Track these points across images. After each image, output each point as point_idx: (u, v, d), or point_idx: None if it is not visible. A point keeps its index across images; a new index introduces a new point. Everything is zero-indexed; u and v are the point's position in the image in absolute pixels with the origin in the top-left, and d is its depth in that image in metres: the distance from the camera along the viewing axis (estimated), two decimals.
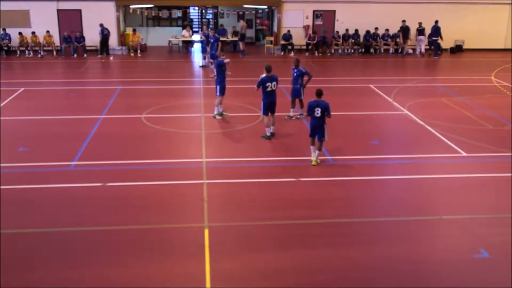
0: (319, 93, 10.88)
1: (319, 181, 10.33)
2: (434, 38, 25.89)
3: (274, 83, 12.34)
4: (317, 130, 10.85)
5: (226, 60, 14.09)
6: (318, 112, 10.76)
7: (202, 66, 22.49)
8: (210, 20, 33.25)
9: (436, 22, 25.69)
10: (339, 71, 22.82)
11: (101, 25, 25.01)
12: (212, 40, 20.45)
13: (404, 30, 26.40)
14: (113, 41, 26.20)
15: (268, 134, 12.54)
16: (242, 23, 26.87)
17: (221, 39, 22.68)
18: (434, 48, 26.01)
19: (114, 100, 16.53)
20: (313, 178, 10.43)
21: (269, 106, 12.39)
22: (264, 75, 12.45)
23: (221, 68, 13.97)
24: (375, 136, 13.08)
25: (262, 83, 12.28)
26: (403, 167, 11.08)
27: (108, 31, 25.27)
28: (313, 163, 10.92)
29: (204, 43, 22.44)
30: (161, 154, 11.68)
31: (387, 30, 26.47)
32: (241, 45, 26.15)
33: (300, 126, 13.70)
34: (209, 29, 22.63)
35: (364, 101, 16.55)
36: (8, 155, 11.39)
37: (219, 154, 11.77)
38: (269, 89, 12.30)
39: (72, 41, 24.99)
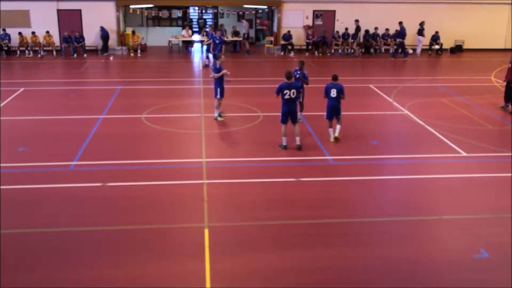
0: (335, 77, 12.45)
1: (319, 181, 10.32)
2: (400, 40, 25.50)
3: (293, 90, 11.53)
4: (334, 110, 12.38)
5: (218, 74, 13.80)
6: (334, 92, 12.27)
7: (206, 66, 22.47)
8: (208, 20, 33.20)
9: (401, 23, 25.47)
10: (339, 71, 22.68)
11: (102, 27, 25.29)
12: (217, 41, 20.54)
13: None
14: (113, 41, 26.22)
15: (284, 143, 11.93)
16: (246, 23, 27.10)
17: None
18: (402, 49, 25.58)
19: (114, 100, 16.53)
20: (313, 178, 10.43)
21: (287, 115, 11.75)
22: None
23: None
24: (375, 136, 13.08)
25: (280, 90, 11.66)
26: (403, 167, 11.08)
27: (108, 32, 25.35)
28: (334, 138, 12.38)
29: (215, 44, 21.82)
30: (161, 154, 11.68)
31: (387, 30, 26.45)
32: (246, 45, 26.47)
33: (300, 127, 13.66)
34: (207, 29, 22.69)
35: (364, 101, 16.55)
36: (8, 155, 11.39)
37: (219, 154, 11.77)
38: (287, 96, 11.56)
39: (72, 41, 25.00)
